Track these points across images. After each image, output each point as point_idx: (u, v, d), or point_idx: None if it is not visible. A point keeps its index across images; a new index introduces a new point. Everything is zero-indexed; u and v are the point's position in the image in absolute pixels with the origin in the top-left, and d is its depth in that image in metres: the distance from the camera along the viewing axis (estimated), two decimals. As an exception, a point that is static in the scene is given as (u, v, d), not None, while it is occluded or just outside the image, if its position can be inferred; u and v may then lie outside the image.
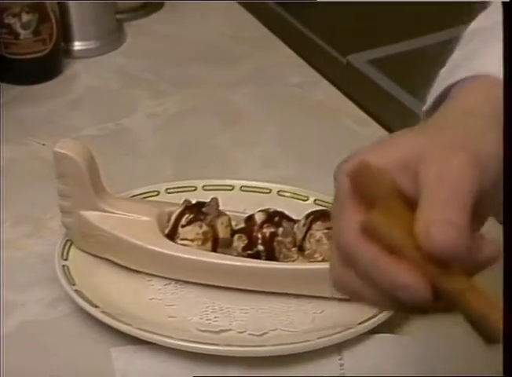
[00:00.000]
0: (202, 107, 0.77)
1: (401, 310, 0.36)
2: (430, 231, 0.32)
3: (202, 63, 0.82)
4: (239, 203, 0.61)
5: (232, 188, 0.63)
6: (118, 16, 0.86)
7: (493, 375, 0.43)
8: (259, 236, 0.56)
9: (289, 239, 0.56)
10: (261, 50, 0.84)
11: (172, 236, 0.56)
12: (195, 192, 0.62)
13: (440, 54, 0.88)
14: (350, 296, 0.35)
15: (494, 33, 0.34)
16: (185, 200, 0.58)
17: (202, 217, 0.56)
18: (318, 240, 0.55)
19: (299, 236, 0.55)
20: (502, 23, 0.32)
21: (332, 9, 0.87)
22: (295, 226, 0.56)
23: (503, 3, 0.33)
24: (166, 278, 0.57)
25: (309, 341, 0.51)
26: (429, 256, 0.32)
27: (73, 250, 0.58)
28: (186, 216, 0.56)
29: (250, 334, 0.53)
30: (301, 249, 0.55)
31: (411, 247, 0.32)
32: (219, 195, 0.58)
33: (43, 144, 0.71)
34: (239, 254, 0.56)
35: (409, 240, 0.32)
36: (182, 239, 0.56)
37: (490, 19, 0.42)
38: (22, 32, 0.76)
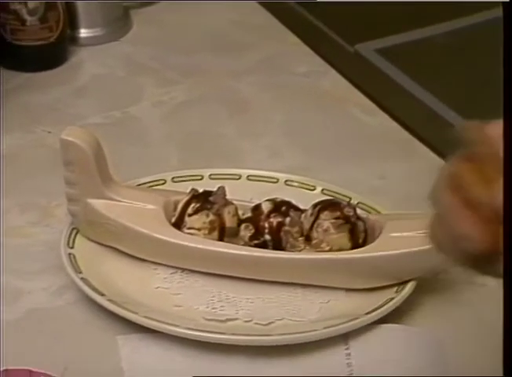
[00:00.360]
0: (209, 96, 0.76)
1: (466, 265, 0.38)
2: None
3: (209, 51, 0.82)
4: (246, 193, 0.60)
5: (239, 177, 0.63)
6: (124, 4, 0.86)
7: (493, 375, 0.43)
8: (266, 225, 0.55)
9: (296, 229, 0.55)
10: (268, 39, 0.84)
11: (178, 224, 0.56)
12: (202, 180, 0.62)
13: (448, 44, 0.87)
14: (434, 244, 0.37)
15: None
16: (192, 189, 0.58)
17: (208, 206, 0.56)
18: (325, 230, 0.55)
19: (306, 226, 0.55)
20: (503, 23, 0.32)
21: (340, -3, 0.86)
22: (302, 216, 0.56)
23: (503, 3, 0.33)
24: (172, 267, 0.56)
25: (315, 330, 0.51)
26: (499, 217, 0.34)
27: (79, 238, 0.57)
28: (193, 205, 0.56)
29: (256, 323, 0.53)
30: (308, 239, 0.55)
31: (486, 207, 0.34)
32: (226, 184, 0.58)
33: (49, 132, 0.71)
34: (245, 244, 0.56)
35: (487, 200, 0.34)
36: (189, 228, 0.56)
37: None
38: (28, 19, 0.75)
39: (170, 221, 0.56)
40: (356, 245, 0.55)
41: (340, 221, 0.55)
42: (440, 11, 0.85)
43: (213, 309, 0.54)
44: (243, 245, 0.55)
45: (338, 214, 0.55)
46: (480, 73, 0.76)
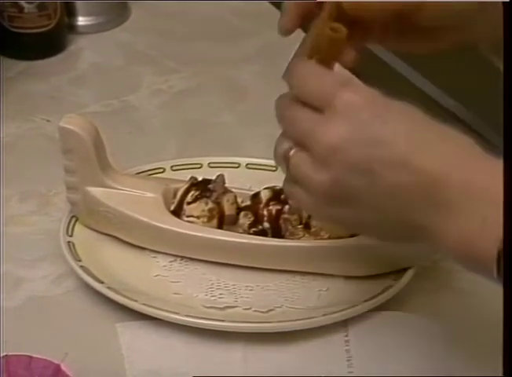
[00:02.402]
0: (208, 85, 0.76)
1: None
2: None
3: (207, 40, 0.82)
4: (245, 181, 0.60)
5: (238, 165, 0.63)
6: (122, -8, 0.86)
7: (493, 375, 0.43)
8: (265, 213, 0.56)
9: (295, 217, 0.55)
10: (267, 27, 0.83)
11: (177, 212, 0.56)
12: (201, 169, 0.62)
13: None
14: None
15: None
16: (191, 177, 0.58)
17: (208, 194, 0.56)
18: (324, 218, 0.55)
19: (305, 214, 0.55)
20: (503, 23, 0.32)
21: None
22: (301, 203, 0.56)
23: (503, 3, 0.33)
24: (171, 255, 0.57)
25: (314, 317, 0.51)
26: None
27: (78, 226, 0.57)
28: (192, 193, 0.56)
29: (255, 310, 0.53)
30: (307, 226, 0.55)
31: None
32: (225, 172, 0.58)
33: (48, 120, 0.71)
34: (244, 232, 0.56)
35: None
36: (188, 216, 0.56)
37: None
38: (26, 6, 0.75)
39: (169, 209, 0.56)
40: (354, 233, 0.55)
41: (339, 209, 0.55)
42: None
43: (212, 296, 0.54)
44: (242, 233, 0.56)
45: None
46: (478, 60, 0.76)
